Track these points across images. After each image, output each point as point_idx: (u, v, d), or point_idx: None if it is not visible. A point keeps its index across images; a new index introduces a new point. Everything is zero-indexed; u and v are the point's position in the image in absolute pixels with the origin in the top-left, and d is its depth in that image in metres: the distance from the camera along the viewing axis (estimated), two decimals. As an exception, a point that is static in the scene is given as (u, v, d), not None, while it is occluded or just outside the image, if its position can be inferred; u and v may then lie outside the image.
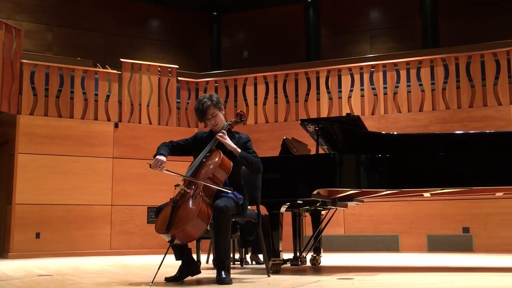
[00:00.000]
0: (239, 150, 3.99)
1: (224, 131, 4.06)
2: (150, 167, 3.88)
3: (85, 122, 8.78)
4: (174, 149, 4.10)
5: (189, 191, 3.78)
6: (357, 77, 9.08)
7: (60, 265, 6.13)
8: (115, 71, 9.33)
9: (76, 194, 8.46)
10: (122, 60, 9.41)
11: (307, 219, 5.40)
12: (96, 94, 8.98)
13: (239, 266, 5.68)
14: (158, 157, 3.90)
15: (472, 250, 7.89)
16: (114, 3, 12.95)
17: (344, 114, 8.49)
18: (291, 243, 5.08)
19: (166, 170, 3.88)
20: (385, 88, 8.91)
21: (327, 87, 9.22)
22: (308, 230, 5.44)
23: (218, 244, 3.75)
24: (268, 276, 4.24)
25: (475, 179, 4.56)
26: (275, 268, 4.53)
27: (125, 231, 8.71)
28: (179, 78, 9.80)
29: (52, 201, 8.31)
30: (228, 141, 4.01)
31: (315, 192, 4.50)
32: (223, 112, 4.22)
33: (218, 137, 4.01)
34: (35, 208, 8.19)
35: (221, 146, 4.03)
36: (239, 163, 4.02)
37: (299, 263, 5.04)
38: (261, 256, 5.92)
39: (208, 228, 3.81)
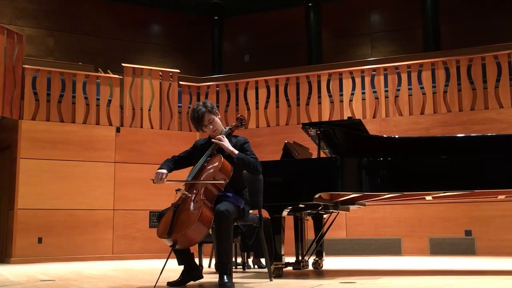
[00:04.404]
0: (236, 152, 3.99)
1: (223, 135, 4.07)
2: (153, 182, 3.95)
3: (87, 126, 8.79)
4: (177, 163, 4.17)
5: (190, 195, 3.79)
6: (358, 81, 9.09)
7: (62, 270, 6.12)
8: (116, 76, 9.35)
9: (78, 198, 8.47)
10: (123, 64, 9.43)
11: (309, 222, 5.39)
12: (98, 99, 9.00)
13: (241, 270, 5.67)
14: (158, 170, 3.98)
15: (474, 253, 7.88)
16: (115, 7, 12.99)
17: (345, 118, 8.49)
18: (293, 247, 5.07)
19: (168, 180, 3.96)
20: (386, 91, 8.91)
21: (329, 91, 9.22)
22: (310, 233, 5.43)
23: (220, 248, 3.74)
24: (270, 280, 4.23)
25: (477, 182, 4.55)
26: (277, 272, 4.53)
27: (127, 235, 8.71)
28: (181, 83, 9.82)
29: (54, 206, 8.32)
30: (226, 143, 4.01)
31: (317, 196, 4.50)
32: (219, 117, 4.21)
33: (214, 140, 4.02)
34: (37, 213, 8.19)
35: (221, 151, 4.03)
36: (238, 166, 4.02)
37: (301, 267, 5.02)
38: (263, 260, 5.91)
39: (210, 232, 3.82)
